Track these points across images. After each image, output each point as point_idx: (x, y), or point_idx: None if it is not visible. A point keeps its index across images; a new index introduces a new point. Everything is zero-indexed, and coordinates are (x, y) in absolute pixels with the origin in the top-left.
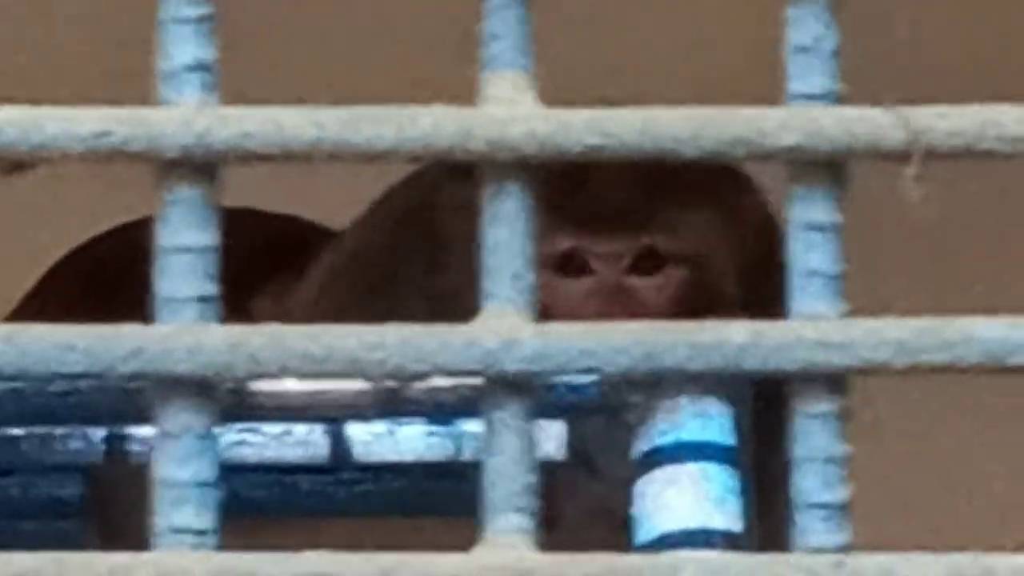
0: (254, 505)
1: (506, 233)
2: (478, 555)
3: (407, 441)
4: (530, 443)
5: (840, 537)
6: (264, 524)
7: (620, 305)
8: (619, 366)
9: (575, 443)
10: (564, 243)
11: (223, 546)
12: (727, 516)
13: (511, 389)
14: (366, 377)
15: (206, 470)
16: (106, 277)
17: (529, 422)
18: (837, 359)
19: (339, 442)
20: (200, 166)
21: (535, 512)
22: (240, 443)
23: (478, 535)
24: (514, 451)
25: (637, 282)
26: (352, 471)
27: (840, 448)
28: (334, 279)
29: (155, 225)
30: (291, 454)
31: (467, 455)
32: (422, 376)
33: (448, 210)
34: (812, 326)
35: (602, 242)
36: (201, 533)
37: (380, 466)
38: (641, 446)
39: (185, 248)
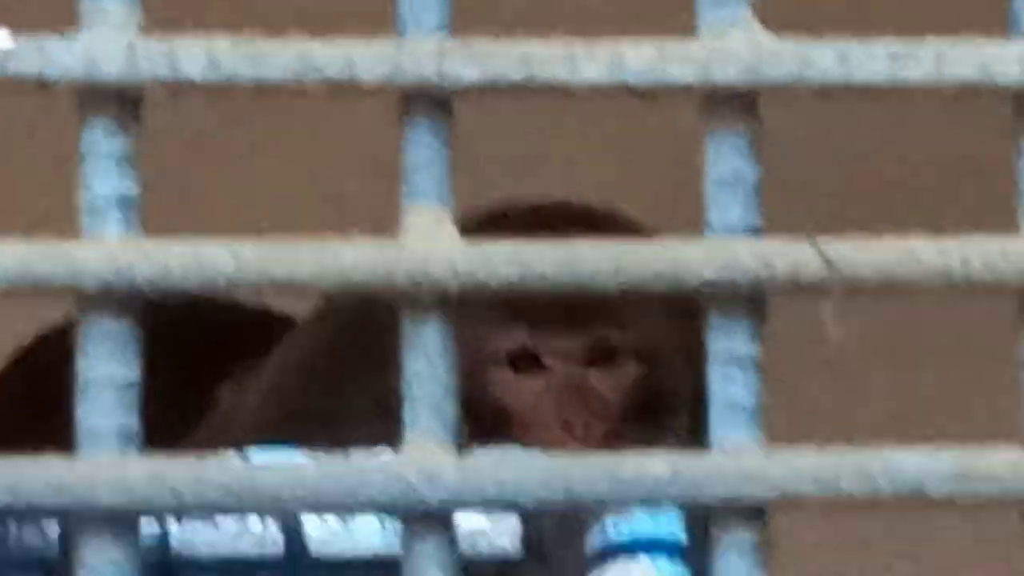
0: None
1: (425, 365)
2: None
3: (363, 536)
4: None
5: None
6: None
7: (578, 401)
8: (539, 500)
9: (530, 538)
10: (518, 340)
11: None
12: None
13: (432, 522)
14: (288, 511)
15: None
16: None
17: (449, 555)
18: (757, 491)
19: (294, 537)
20: (122, 299)
21: None
22: (196, 539)
23: None
24: None
25: (593, 377)
26: (308, 567)
27: None
28: (284, 377)
29: (76, 356)
30: (247, 549)
31: None
32: (344, 510)
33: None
34: (732, 458)
35: (556, 338)
36: None
37: (336, 562)
38: (594, 541)
39: (107, 381)
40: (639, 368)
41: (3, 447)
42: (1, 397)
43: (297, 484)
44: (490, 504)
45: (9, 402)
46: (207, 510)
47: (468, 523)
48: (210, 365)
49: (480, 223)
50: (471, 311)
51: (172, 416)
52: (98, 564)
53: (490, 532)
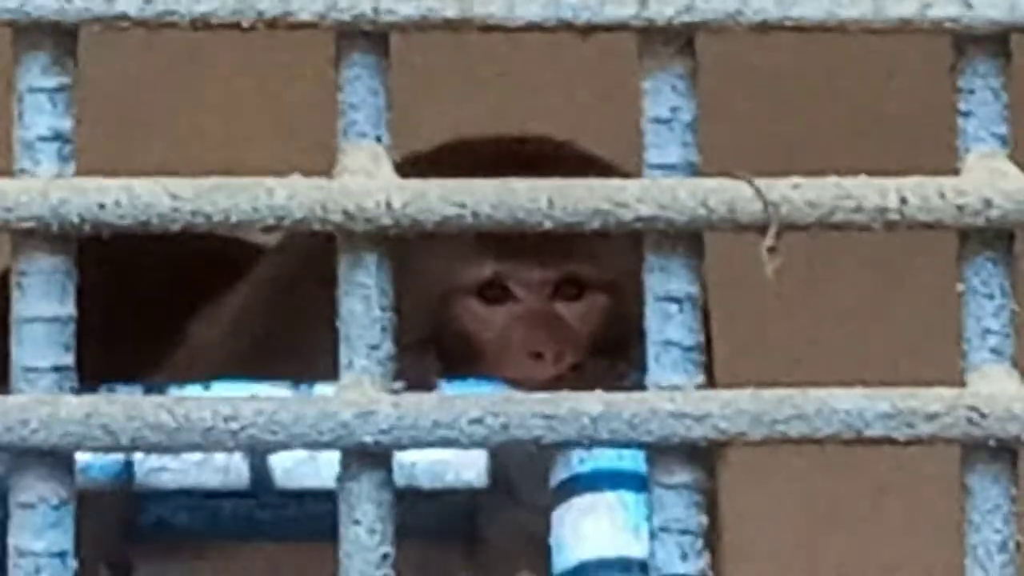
0: (177, 529)
1: (362, 304)
2: None
3: (328, 467)
4: (387, 513)
5: None
6: (187, 547)
7: (546, 330)
8: (473, 437)
9: (496, 470)
10: (487, 271)
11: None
12: (643, 544)
13: (368, 460)
14: (221, 449)
15: (62, 541)
16: None
17: (386, 492)
18: (693, 430)
19: (260, 467)
20: (56, 236)
21: None
22: (160, 469)
23: None
24: (371, 521)
25: (561, 308)
26: (273, 497)
27: (696, 519)
28: (247, 309)
29: (11, 294)
30: (212, 479)
31: (397, 477)
32: (278, 447)
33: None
34: (668, 397)
35: (526, 269)
36: None
37: (301, 492)
38: (560, 474)
39: (42, 318)
40: (607, 300)
41: None
42: None
43: (232, 422)
44: (424, 443)
45: None
46: (140, 449)
47: (434, 455)
48: (182, 299)
49: (429, 159)
50: (440, 242)
51: (146, 351)
52: (32, 500)
53: (456, 464)
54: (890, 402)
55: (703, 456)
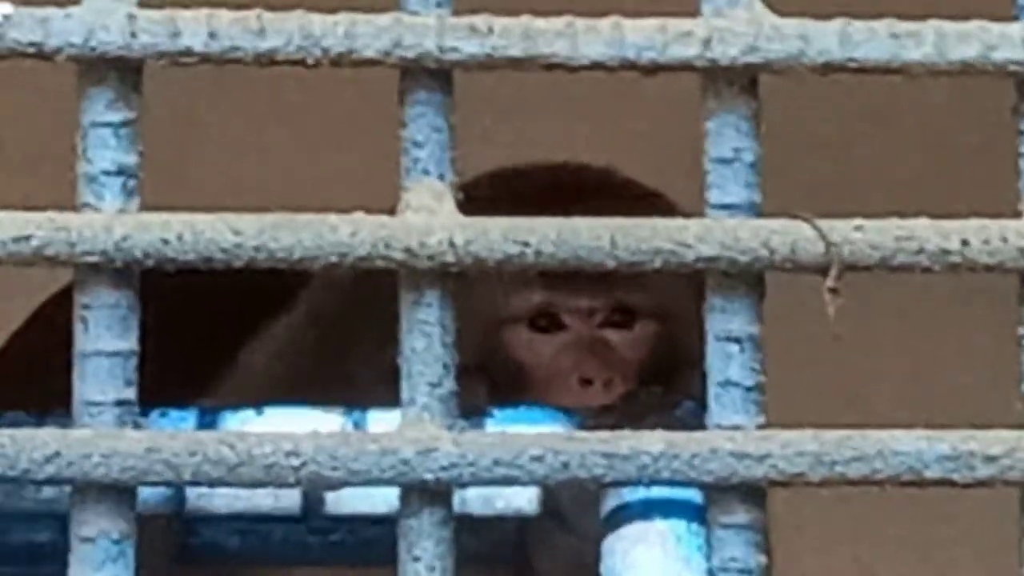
0: (228, 553)
1: (424, 342)
2: None
3: (379, 494)
4: (447, 550)
5: None
6: (237, 572)
7: (596, 358)
8: (534, 475)
9: (547, 498)
10: (537, 300)
11: None
12: (694, 573)
13: (428, 497)
14: (282, 485)
15: (121, 575)
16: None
17: (445, 529)
18: (753, 471)
19: (311, 493)
20: (119, 271)
21: None
22: (212, 493)
23: None
24: (431, 558)
25: (611, 336)
26: (324, 521)
27: (755, 559)
28: (295, 338)
29: (74, 328)
30: (263, 504)
31: None
32: (339, 484)
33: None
34: (728, 437)
35: (575, 298)
36: None
37: (352, 517)
38: (610, 502)
39: (104, 352)
40: (656, 328)
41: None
42: (10, 362)
43: (292, 458)
44: (484, 480)
45: (17, 368)
46: (201, 483)
47: None
48: (234, 327)
49: (486, 186)
50: (492, 272)
51: (199, 378)
52: (92, 534)
53: (508, 493)
54: (950, 444)
55: (762, 496)
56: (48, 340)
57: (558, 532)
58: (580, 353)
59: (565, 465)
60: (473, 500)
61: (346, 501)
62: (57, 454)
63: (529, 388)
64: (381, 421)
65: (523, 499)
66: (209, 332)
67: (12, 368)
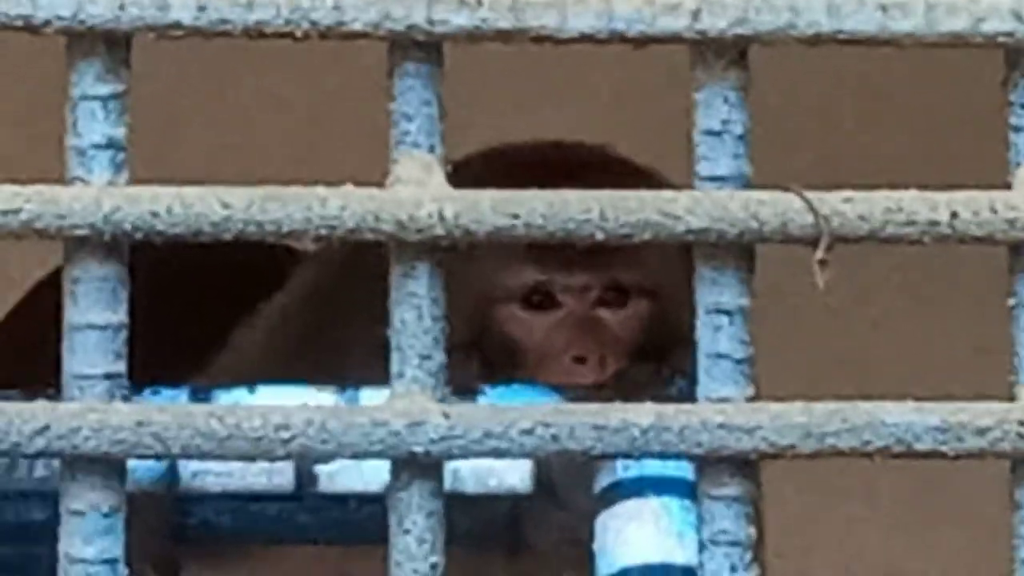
0: (222, 532)
1: (414, 314)
2: None
3: (371, 471)
4: (437, 523)
5: None
6: (231, 549)
7: (590, 335)
8: (524, 448)
9: (540, 475)
10: (531, 278)
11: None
12: (687, 551)
13: (418, 470)
14: (271, 458)
15: (112, 548)
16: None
17: (435, 501)
18: (743, 443)
19: (304, 472)
20: (108, 244)
21: None
22: (205, 472)
23: None
24: (421, 531)
25: (605, 314)
26: (317, 500)
27: (745, 531)
28: (289, 314)
29: (64, 301)
30: (256, 483)
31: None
32: (328, 457)
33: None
34: (718, 409)
35: (569, 276)
36: None
37: (345, 495)
38: (603, 479)
39: (94, 326)
40: (649, 306)
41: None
42: (4, 343)
43: (282, 431)
44: (474, 453)
45: (11, 348)
46: (191, 456)
47: (479, 461)
48: (226, 304)
49: (472, 164)
50: (485, 248)
51: (191, 355)
52: (82, 507)
53: (500, 470)
54: (940, 416)
55: (752, 468)
56: (42, 320)
57: (551, 509)
58: (573, 331)
59: (555, 437)
60: (467, 478)
61: (339, 479)
62: (47, 427)
63: (522, 366)
64: (374, 399)
65: (516, 477)
66: (202, 311)
67: (6, 348)
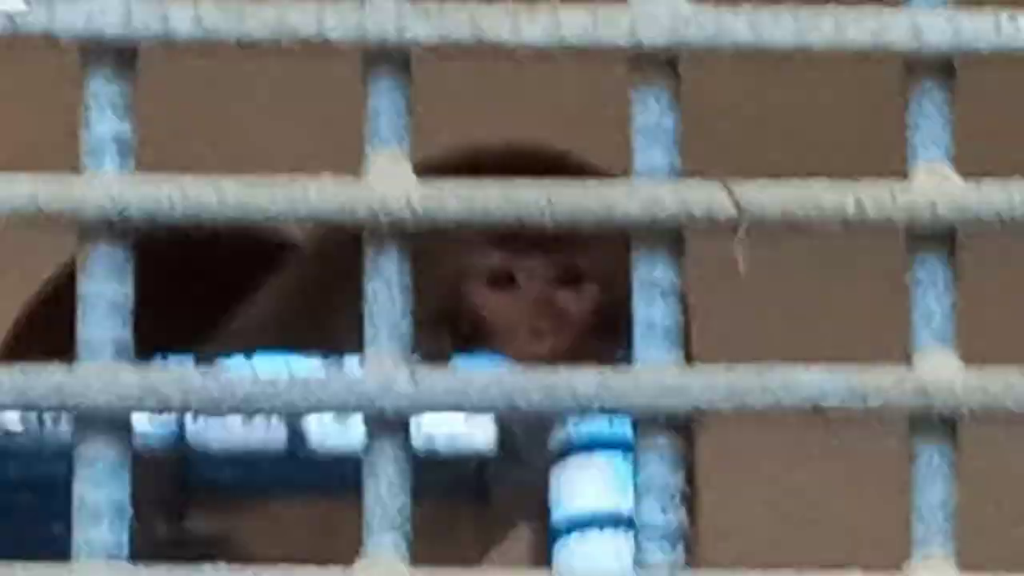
0: (224, 485)
1: (384, 288)
2: (358, 570)
3: (354, 431)
4: (404, 469)
5: (673, 556)
6: (231, 500)
7: (547, 314)
8: (480, 405)
9: (504, 438)
10: (496, 260)
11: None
12: (631, 500)
13: (388, 426)
14: (259, 412)
15: (119, 492)
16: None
17: (404, 453)
18: (674, 403)
19: (296, 432)
20: (116, 225)
21: (408, 533)
22: (208, 431)
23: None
24: (391, 477)
25: (561, 295)
26: (309, 459)
27: (675, 478)
28: (284, 294)
29: (78, 277)
30: (253, 441)
31: (418, 444)
32: (308, 412)
33: None
34: (652, 373)
35: (530, 260)
36: (115, 547)
37: (334, 454)
38: (559, 439)
39: (104, 297)
40: (600, 290)
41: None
42: (35, 319)
43: (269, 390)
44: (437, 408)
45: (40, 324)
46: (188, 411)
47: (448, 425)
48: (226, 293)
49: (445, 163)
50: (456, 233)
51: (196, 332)
52: (94, 458)
53: (467, 432)
54: (845, 377)
55: (683, 425)
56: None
57: (513, 466)
58: (532, 309)
59: (507, 395)
60: (439, 440)
61: (327, 439)
62: (61, 386)
63: (487, 339)
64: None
65: (483, 439)
66: (203, 297)
67: (31, 333)
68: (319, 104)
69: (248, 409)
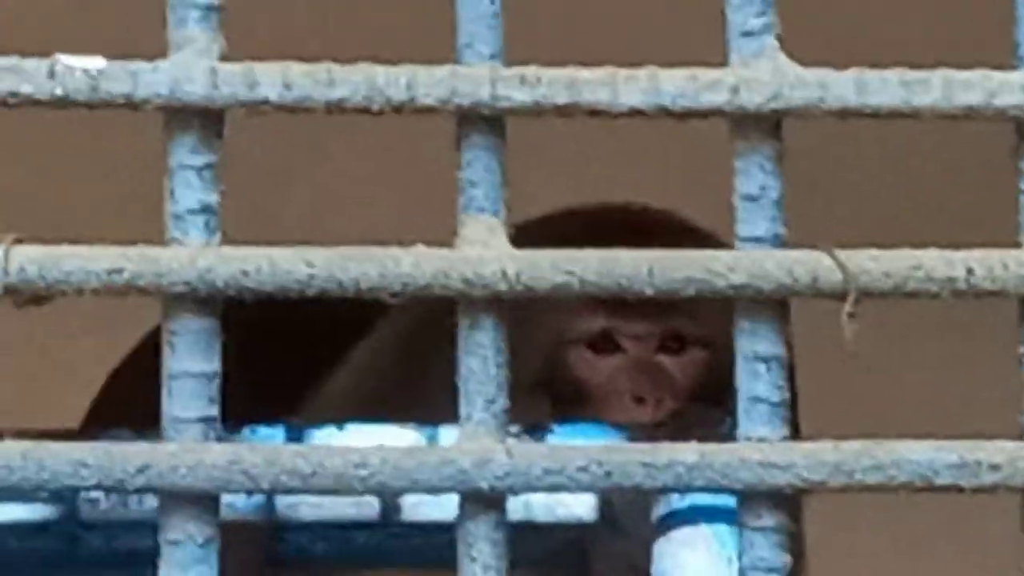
0: (315, 557)
1: (479, 363)
2: None
3: (450, 501)
4: (502, 551)
5: None
6: (323, 573)
7: (649, 379)
8: (580, 483)
9: (604, 507)
10: (598, 324)
11: None
12: (736, 573)
13: (484, 503)
14: (352, 493)
15: (206, 574)
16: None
17: (500, 533)
18: (778, 478)
19: (388, 502)
20: (203, 300)
21: None
22: (299, 503)
23: None
24: (486, 558)
25: (664, 360)
26: (401, 529)
27: (781, 559)
28: (372, 366)
29: (163, 351)
30: (346, 512)
31: (516, 512)
32: (403, 492)
33: None
34: (756, 448)
35: (633, 324)
36: None
37: (425, 523)
38: (660, 510)
39: (189, 373)
40: (704, 354)
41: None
42: (120, 390)
43: (361, 469)
44: (536, 488)
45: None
46: (278, 492)
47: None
48: (319, 357)
49: (540, 226)
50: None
51: (288, 399)
52: (179, 538)
53: (568, 501)
54: (958, 454)
55: (787, 502)
56: (147, 371)
57: (614, 537)
58: (635, 374)
59: (608, 474)
60: (537, 508)
61: (420, 509)
62: (147, 466)
63: (588, 405)
64: (452, 437)
65: (582, 508)
66: (296, 362)
67: (118, 395)
68: (411, 170)
69: (340, 491)
